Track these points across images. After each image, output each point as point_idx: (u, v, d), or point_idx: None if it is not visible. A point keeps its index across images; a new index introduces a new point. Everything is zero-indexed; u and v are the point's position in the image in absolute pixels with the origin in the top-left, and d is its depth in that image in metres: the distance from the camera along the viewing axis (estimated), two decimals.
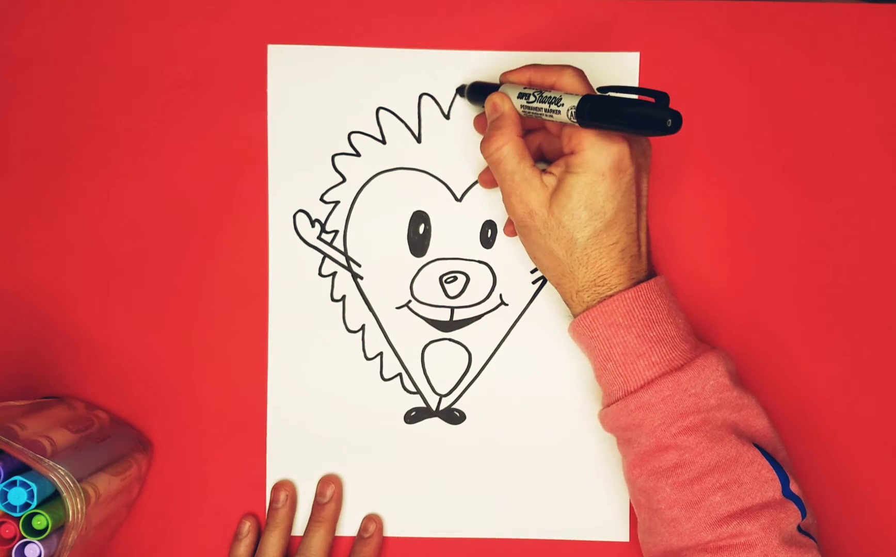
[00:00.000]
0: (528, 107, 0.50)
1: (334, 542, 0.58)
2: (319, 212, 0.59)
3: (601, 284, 0.50)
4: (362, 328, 0.59)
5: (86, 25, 0.59)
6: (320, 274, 0.59)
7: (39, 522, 0.47)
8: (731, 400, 0.49)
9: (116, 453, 0.54)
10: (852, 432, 0.59)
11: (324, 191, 0.59)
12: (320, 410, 0.59)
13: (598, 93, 0.49)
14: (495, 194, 0.59)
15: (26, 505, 0.47)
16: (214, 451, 0.59)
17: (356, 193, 0.59)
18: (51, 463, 0.47)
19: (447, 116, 0.59)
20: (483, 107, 0.53)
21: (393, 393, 0.59)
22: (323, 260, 0.59)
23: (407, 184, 0.59)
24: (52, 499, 0.48)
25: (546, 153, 0.56)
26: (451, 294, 0.59)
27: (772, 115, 0.59)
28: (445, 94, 0.59)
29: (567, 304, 0.53)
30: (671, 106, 0.45)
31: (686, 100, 0.57)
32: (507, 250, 0.59)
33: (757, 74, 0.59)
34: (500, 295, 0.59)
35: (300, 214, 0.59)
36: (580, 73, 0.50)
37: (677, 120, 0.44)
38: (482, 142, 0.52)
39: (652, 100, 0.45)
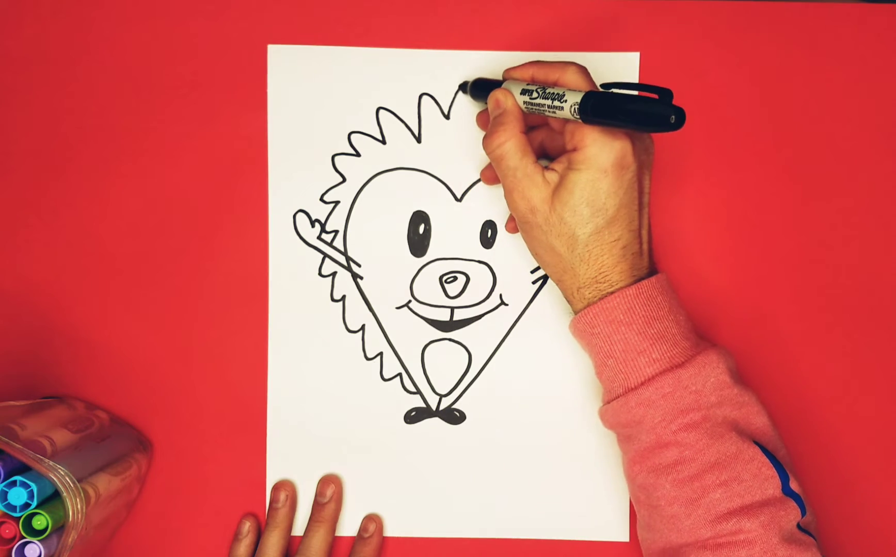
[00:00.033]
0: (531, 104, 0.50)
1: (334, 542, 0.58)
2: (319, 212, 0.59)
3: (602, 281, 0.50)
4: (362, 328, 0.59)
5: (86, 25, 0.59)
6: (320, 274, 0.59)
7: (39, 522, 0.47)
8: (732, 397, 0.49)
9: (116, 453, 0.54)
10: (852, 431, 0.59)
11: (324, 191, 0.59)
12: (320, 410, 0.59)
13: (602, 90, 0.49)
14: (495, 194, 0.59)
15: (26, 505, 0.47)
16: (214, 451, 0.59)
17: (356, 193, 0.59)
18: (51, 463, 0.47)
19: (447, 116, 0.59)
20: (485, 103, 0.53)
21: (393, 393, 0.59)
22: (323, 260, 0.59)
23: (407, 184, 0.59)
24: (52, 499, 0.48)
25: (548, 149, 0.56)
26: (451, 294, 0.59)
27: (772, 115, 0.59)
28: (445, 94, 0.59)
29: (568, 301, 0.53)
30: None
31: (686, 100, 0.56)
32: (508, 250, 0.59)
33: (757, 74, 0.59)
34: (500, 296, 0.59)
35: (300, 214, 0.59)
36: (583, 70, 0.50)
37: (681, 116, 0.44)
38: (484, 138, 0.52)
39: (655, 96, 0.45)
